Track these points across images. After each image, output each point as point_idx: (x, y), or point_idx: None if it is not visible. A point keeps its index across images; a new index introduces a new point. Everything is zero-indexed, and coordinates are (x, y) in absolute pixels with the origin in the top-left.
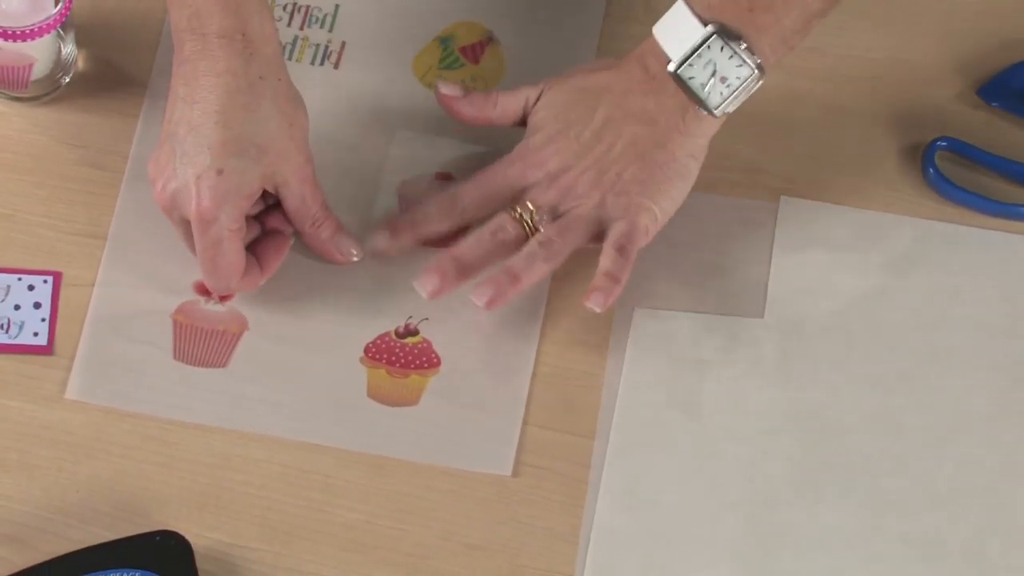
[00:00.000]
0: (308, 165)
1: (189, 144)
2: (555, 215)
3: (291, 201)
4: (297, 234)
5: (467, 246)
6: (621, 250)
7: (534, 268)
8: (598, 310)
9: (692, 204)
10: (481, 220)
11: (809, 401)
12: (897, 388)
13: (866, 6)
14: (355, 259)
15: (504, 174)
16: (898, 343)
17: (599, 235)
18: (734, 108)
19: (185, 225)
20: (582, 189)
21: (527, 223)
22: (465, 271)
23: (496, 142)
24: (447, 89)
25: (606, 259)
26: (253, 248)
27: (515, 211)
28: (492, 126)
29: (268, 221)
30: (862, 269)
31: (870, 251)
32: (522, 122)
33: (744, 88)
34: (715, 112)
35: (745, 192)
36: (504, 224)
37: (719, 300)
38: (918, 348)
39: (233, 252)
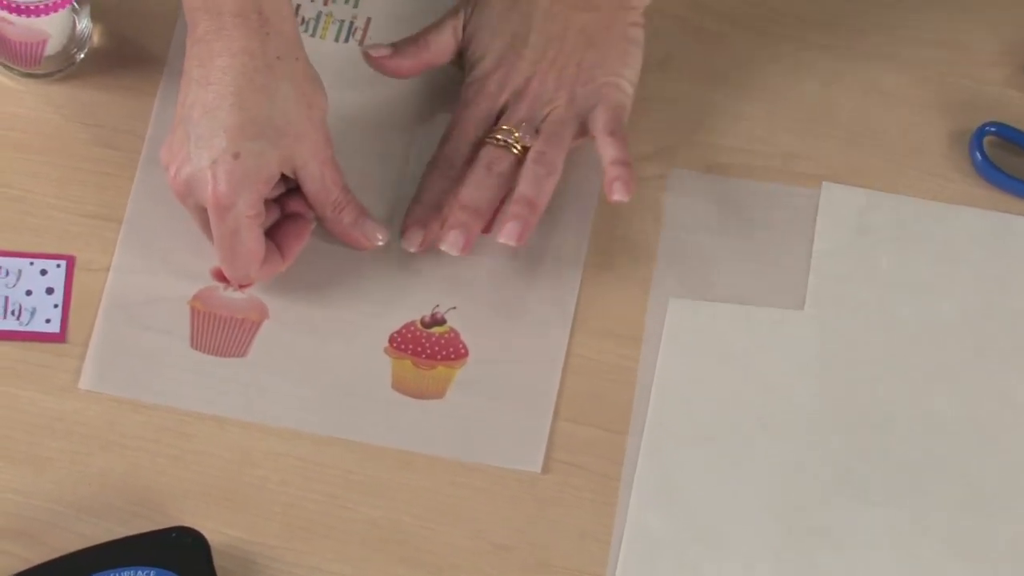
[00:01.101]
0: (327, 147)
1: (204, 127)
2: (535, 126)
3: (310, 184)
4: (319, 220)
5: (471, 191)
6: (613, 134)
7: (543, 186)
8: (625, 199)
9: (729, 190)
10: None
11: (851, 396)
12: (942, 383)
13: None
14: (380, 243)
15: (474, 114)
16: (944, 336)
17: (583, 128)
18: None
19: (201, 212)
20: (549, 93)
21: (513, 145)
22: (481, 215)
23: None
24: (376, 52)
25: (606, 147)
26: (273, 234)
27: (496, 139)
28: (431, 68)
29: (288, 205)
30: (906, 259)
31: (915, 240)
32: (458, 53)
33: None
34: None
35: (785, 179)
36: (492, 156)
37: (758, 290)
38: (965, 342)
39: (252, 239)
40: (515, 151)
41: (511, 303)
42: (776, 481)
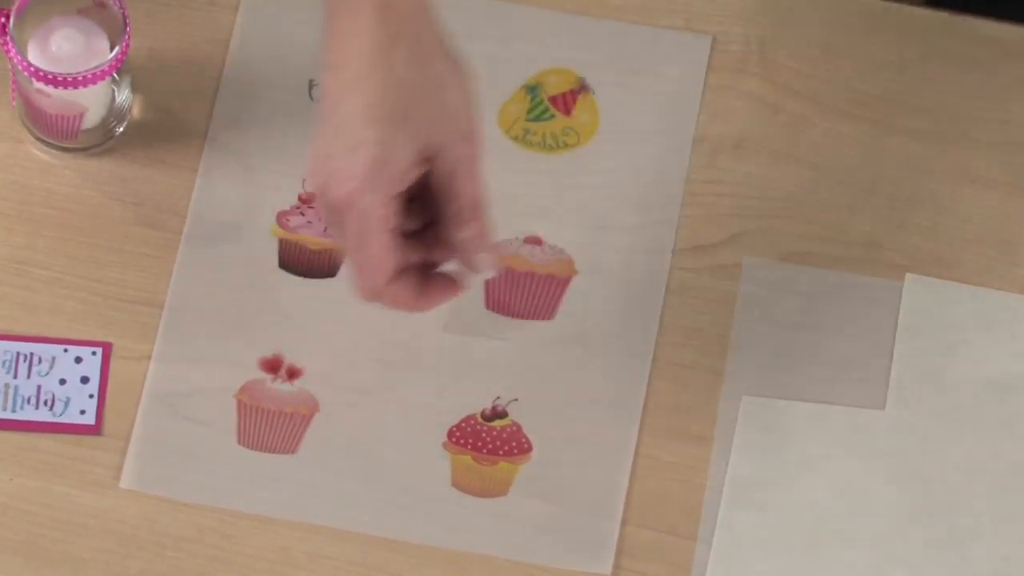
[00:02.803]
0: (468, 142)
1: (338, 117)
2: None
3: (439, 177)
4: (438, 223)
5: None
6: None
7: None
8: None
9: (807, 281)
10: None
11: (933, 501)
12: None
13: (999, 65)
14: (491, 274)
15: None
16: None
17: None
18: None
19: (332, 211)
20: None
21: None
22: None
23: (579, 190)
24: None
25: None
26: (422, 282)
27: None
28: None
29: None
30: (994, 356)
31: (1003, 336)
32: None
33: None
34: None
35: (867, 269)
36: None
37: (836, 388)
38: None
39: (379, 244)
40: None
41: (576, 395)
42: None
